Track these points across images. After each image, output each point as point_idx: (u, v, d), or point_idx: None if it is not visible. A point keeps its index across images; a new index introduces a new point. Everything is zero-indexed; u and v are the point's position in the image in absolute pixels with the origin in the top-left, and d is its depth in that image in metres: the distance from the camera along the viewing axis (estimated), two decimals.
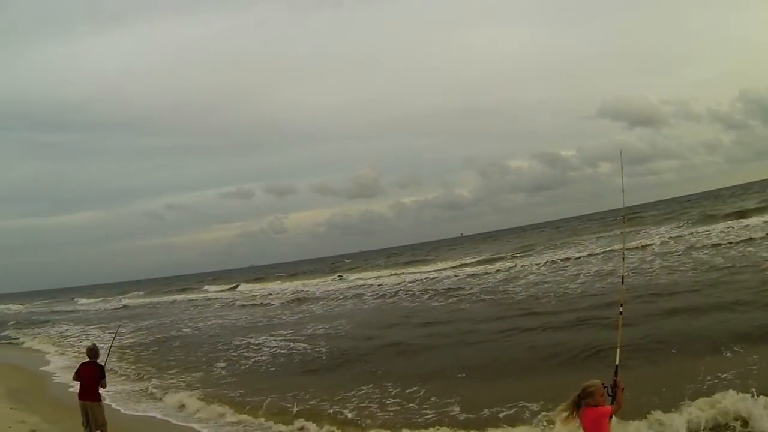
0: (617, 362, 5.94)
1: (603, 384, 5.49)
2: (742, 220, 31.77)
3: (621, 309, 6.35)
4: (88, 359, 9.43)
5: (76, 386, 9.54)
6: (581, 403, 5.35)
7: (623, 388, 5.74)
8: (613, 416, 5.75)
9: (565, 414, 5.37)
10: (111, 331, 26.35)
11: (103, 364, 9.55)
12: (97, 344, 10.47)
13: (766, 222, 28.13)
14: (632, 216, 54.18)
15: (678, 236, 30.88)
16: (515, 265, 33.08)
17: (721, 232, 28.35)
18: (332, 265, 77.79)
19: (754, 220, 30.11)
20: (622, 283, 6.84)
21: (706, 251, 23.64)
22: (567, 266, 28.51)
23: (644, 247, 28.38)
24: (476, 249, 59.71)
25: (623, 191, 7.70)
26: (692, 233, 30.72)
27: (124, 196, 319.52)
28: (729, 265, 19.38)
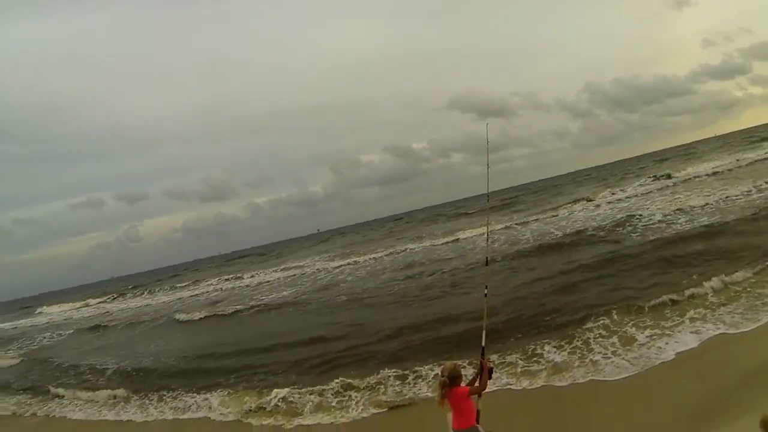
0: (483, 344, 6.07)
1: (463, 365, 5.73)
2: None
3: (486, 291, 6.48)
4: None
5: None
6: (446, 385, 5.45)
7: (491, 369, 5.91)
8: (479, 395, 5.91)
9: (438, 398, 5.45)
10: None
11: None
12: None
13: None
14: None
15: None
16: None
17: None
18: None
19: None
20: (486, 264, 7.03)
21: None
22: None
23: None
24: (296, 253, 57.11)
25: (488, 169, 7.86)
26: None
27: None
28: None
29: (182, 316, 24.36)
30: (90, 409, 12.90)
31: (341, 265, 31.46)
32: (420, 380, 9.70)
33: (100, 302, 49.83)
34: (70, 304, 54.31)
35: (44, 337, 29.64)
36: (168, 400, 12.08)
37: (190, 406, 11.40)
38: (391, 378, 9.96)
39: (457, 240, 29.81)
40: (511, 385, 8.64)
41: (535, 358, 9.37)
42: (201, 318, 23.33)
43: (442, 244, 30.12)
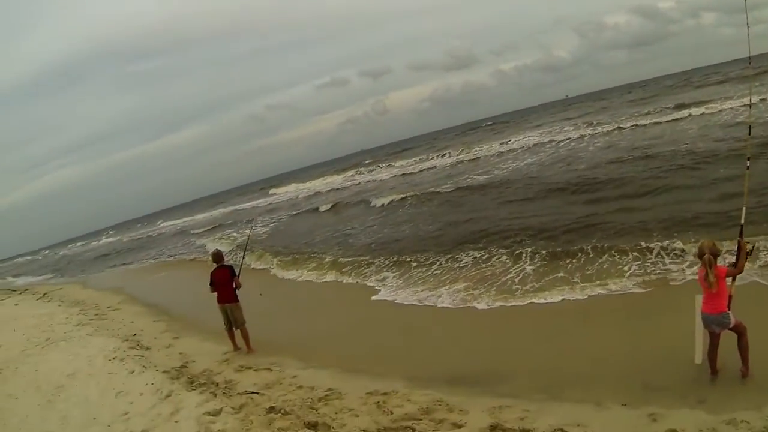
0: (742, 221, 5.43)
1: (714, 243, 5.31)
2: None
3: (748, 163, 5.65)
4: (216, 265, 9.64)
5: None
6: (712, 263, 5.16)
7: (748, 252, 5.29)
8: (734, 278, 5.39)
9: (711, 278, 5.16)
10: None
11: (232, 264, 9.95)
12: (219, 249, 10.55)
13: None
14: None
15: None
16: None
17: None
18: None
19: None
20: (749, 133, 6.00)
21: None
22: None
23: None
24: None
25: (748, 29, 6.44)
26: None
27: (223, 105, 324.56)
28: None
29: (420, 190, 25.45)
30: (335, 275, 14.82)
31: (582, 135, 30.16)
32: (663, 258, 9.21)
33: (336, 179, 54.33)
34: (300, 184, 61.48)
35: (271, 219, 34.08)
36: (413, 269, 13.00)
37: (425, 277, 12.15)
38: (631, 257, 9.58)
39: (703, 114, 25.96)
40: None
41: None
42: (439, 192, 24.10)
43: (687, 116, 26.62)
